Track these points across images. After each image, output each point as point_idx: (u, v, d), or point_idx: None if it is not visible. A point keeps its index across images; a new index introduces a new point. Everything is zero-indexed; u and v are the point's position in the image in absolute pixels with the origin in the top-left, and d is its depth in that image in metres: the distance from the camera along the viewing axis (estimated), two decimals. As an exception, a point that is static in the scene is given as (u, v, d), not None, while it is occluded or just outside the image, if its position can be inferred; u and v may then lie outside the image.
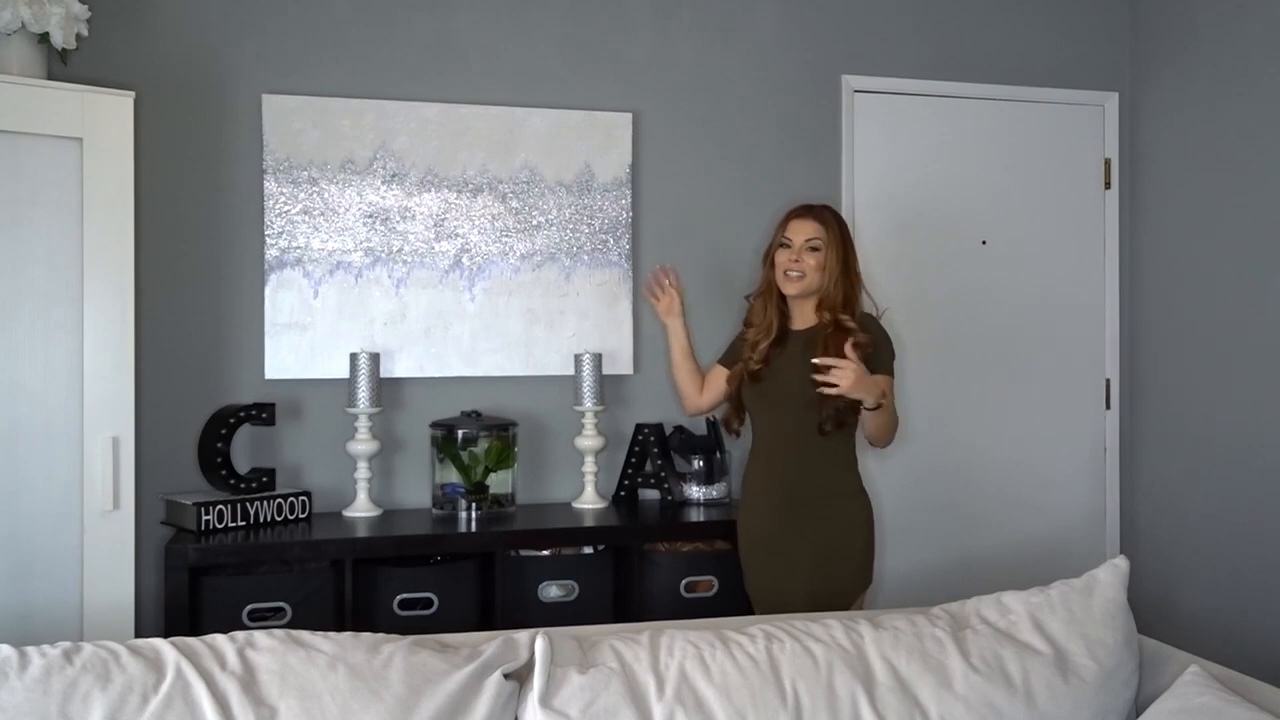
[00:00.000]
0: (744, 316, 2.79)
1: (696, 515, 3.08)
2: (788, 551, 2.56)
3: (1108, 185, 3.69)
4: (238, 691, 1.59)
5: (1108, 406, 3.69)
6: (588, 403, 3.11)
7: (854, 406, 2.49)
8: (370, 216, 3.11)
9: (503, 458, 3.04)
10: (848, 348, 2.38)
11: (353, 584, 2.71)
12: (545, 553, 2.90)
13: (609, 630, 1.93)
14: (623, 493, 3.24)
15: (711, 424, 3.24)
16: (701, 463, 3.21)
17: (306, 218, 3.06)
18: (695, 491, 3.20)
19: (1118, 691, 1.80)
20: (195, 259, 3.02)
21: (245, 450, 2.99)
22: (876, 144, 3.50)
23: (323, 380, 3.08)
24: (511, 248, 3.21)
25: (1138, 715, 1.80)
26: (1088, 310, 3.67)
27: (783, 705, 1.69)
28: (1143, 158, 3.64)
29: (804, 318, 2.65)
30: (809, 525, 2.55)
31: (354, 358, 2.98)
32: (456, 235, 3.17)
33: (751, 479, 2.69)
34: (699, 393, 2.89)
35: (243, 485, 2.87)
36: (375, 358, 2.99)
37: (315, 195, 3.07)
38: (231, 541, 2.70)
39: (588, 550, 2.95)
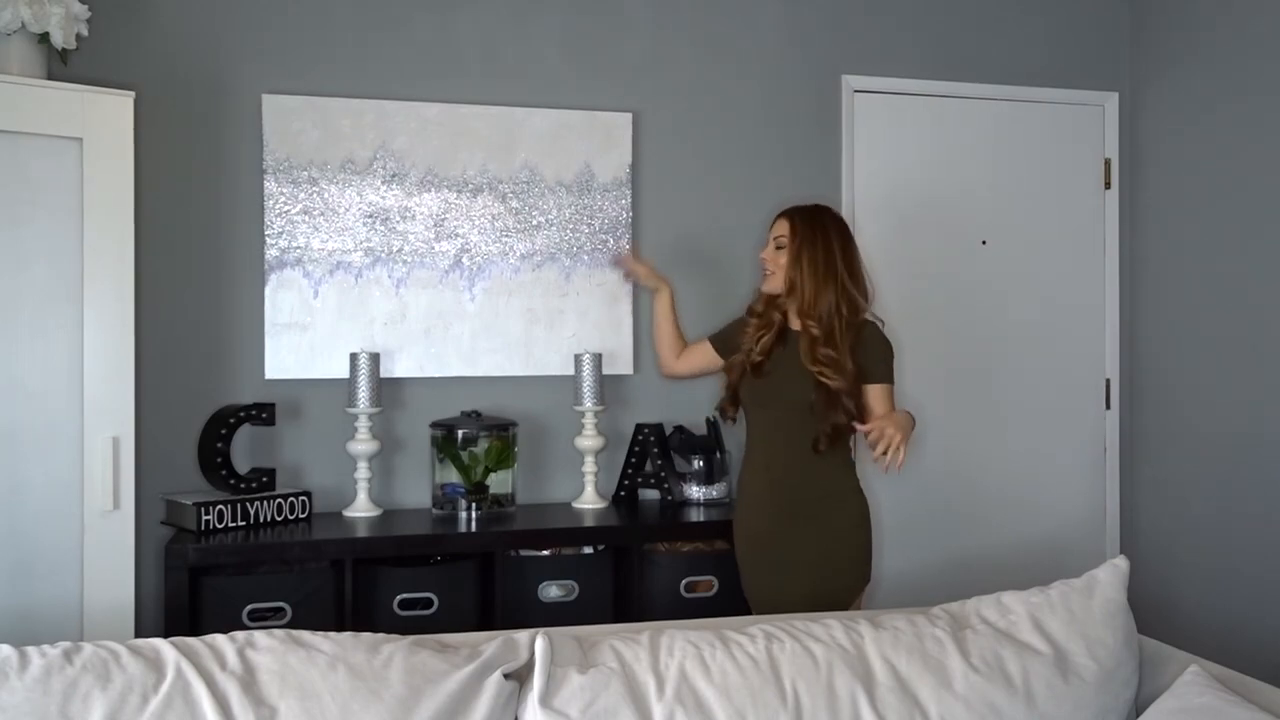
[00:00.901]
0: (750, 305, 2.76)
1: (696, 515, 3.08)
2: (785, 552, 2.56)
3: (1108, 185, 3.69)
4: (238, 691, 1.59)
5: (1108, 406, 3.69)
6: (588, 403, 3.11)
7: (851, 426, 2.51)
8: (370, 216, 3.11)
9: (503, 458, 3.04)
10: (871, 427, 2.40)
11: (353, 584, 2.71)
12: (545, 553, 2.90)
13: (609, 630, 1.93)
14: (623, 493, 3.24)
15: (711, 424, 3.25)
16: (701, 463, 3.21)
17: (306, 218, 3.06)
18: (695, 491, 3.20)
19: (1118, 691, 1.80)
20: (195, 259, 3.02)
21: (245, 450, 2.99)
22: (876, 144, 3.50)
23: (323, 380, 3.08)
24: (511, 248, 3.21)
25: (1138, 715, 1.80)
26: (1088, 310, 3.67)
27: (783, 705, 1.69)
28: (1143, 158, 3.64)
29: (793, 319, 2.65)
30: (806, 525, 2.55)
31: (354, 358, 2.98)
32: (456, 235, 3.17)
33: (748, 479, 2.68)
34: (675, 357, 2.95)
35: (243, 485, 2.87)
36: (375, 358, 2.99)
37: (315, 195, 3.07)
38: (231, 541, 2.70)
39: (588, 550, 2.95)
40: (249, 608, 2.65)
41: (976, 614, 1.90)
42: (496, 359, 3.19)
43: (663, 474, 3.18)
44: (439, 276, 3.16)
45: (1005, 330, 3.60)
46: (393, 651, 1.69)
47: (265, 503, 2.88)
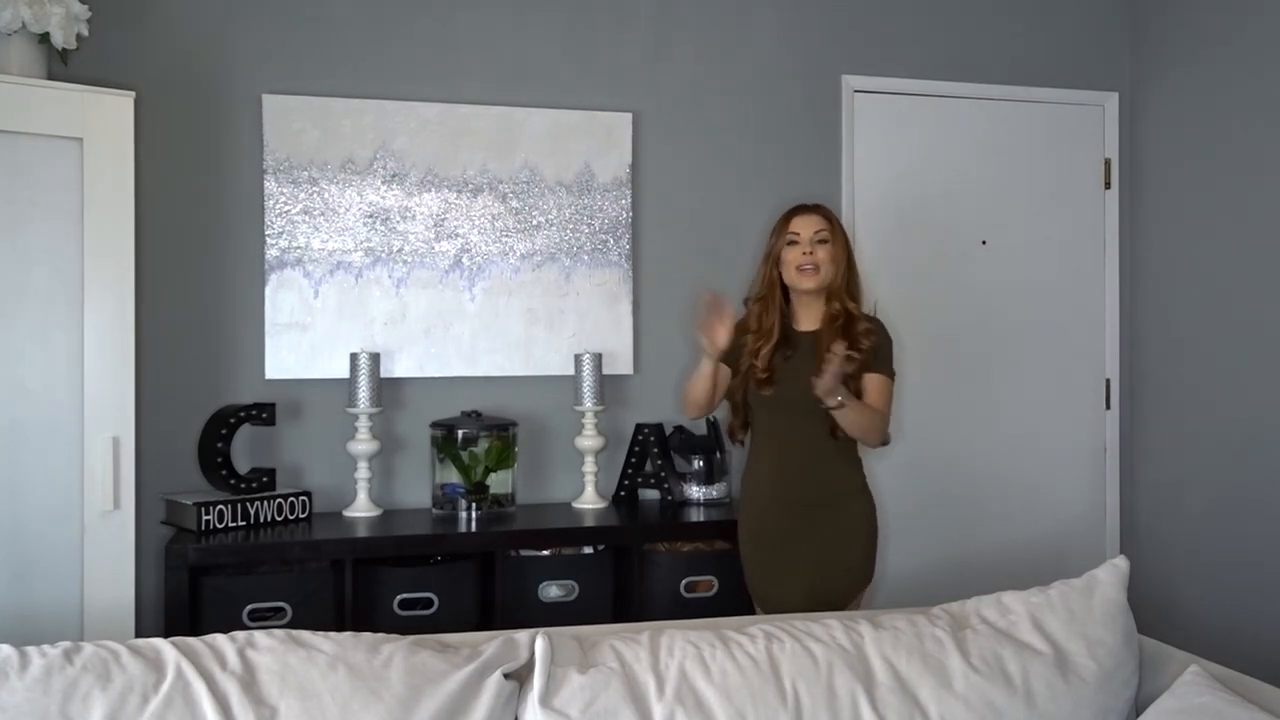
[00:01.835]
0: (740, 322, 2.60)
1: (696, 515, 3.08)
2: (792, 550, 2.56)
3: (1108, 185, 3.69)
4: (238, 691, 1.59)
5: (1108, 406, 3.69)
6: (588, 403, 3.11)
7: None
8: (370, 216, 3.11)
9: (503, 458, 3.04)
10: (835, 348, 2.37)
11: (353, 584, 2.71)
12: (545, 553, 2.90)
13: (609, 630, 1.93)
14: (623, 493, 3.24)
15: (712, 424, 3.24)
16: (701, 463, 3.21)
17: (306, 218, 3.06)
18: (695, 491, 3.20)
19: (1118, 691, 1.80)
20: (195, 259, 3.02)
21: (245, 450, 2.99)
22: (876, 144, 3.50)
23: (323, 380, 3.08)
24: (511, 248, 3.21)
25: (1138, 715, 1.80)
26: (1088, 310, 3.67)
27: (783, 705, 1.69)
28: (1143, 158, 3.64)
29: (810, 318, 2.61)
30: (814, 524, 2.55)
31: (354, 358, 2.98)
32: (456, 235, 3.17)
33: (755, 478, 2.67)
34: (713, 402, 2.63)
35: (243, 485, 2.87)
36: (375, 358, 2.99)
37: (315, 195, 3.07)
38: (231, 541, 2.70)
39: (588, 550, 2.95)
40: (249, 608, 2.65)
41: (976, 614, 1.90)
42: (496, 359, 3.19)
43: (663, 474, 3.18)
44: (439, 276, 3.16)
45: (1005, 330, 3.60)
46: (393, 651, 1.69)
47: (265, 503, 2.88)
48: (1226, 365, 3.27)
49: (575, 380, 3.14)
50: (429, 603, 2.78)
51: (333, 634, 1.73)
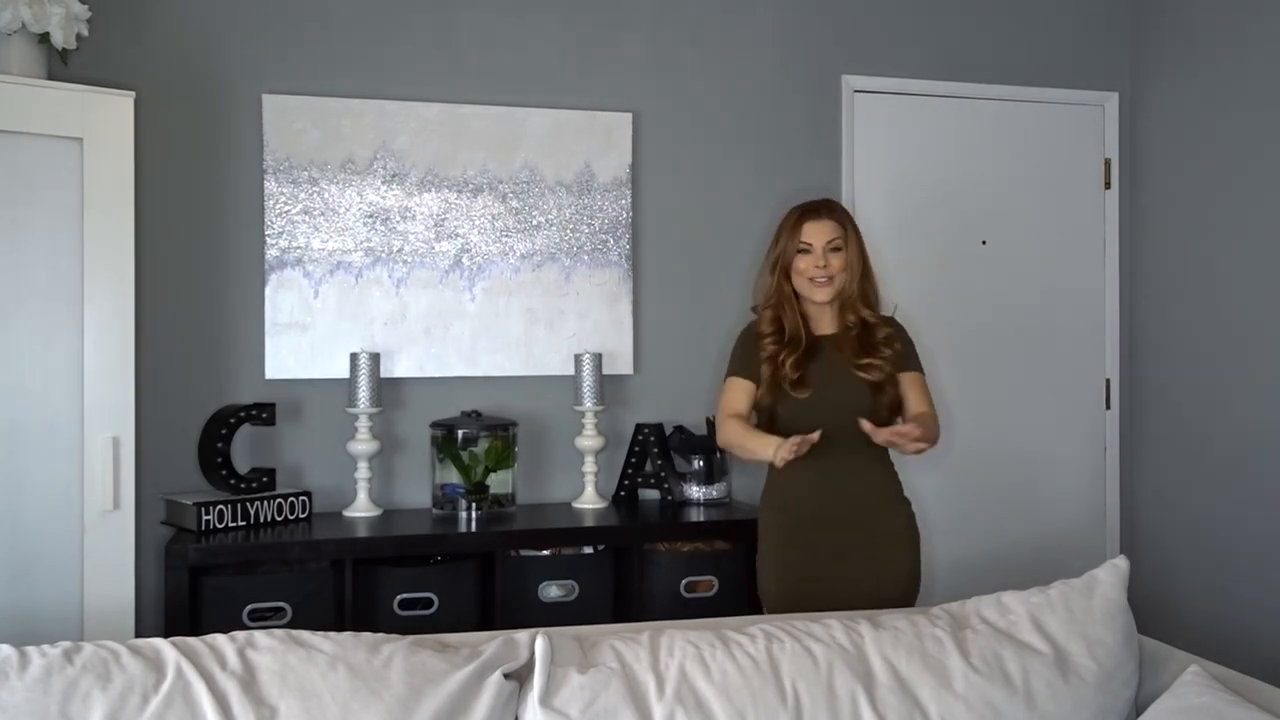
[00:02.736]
0: (754, 329, 2.56)
1: (696, 515, 3.08)
2: (839, 564, 2.46)
3: (1108, 185, 3.69)
4: (238, 691, 1.59)
5: (1108, 406, 3.69)
6: (588, 403, 3.11)
7: (891, 408, 2.48)
8: (370, 216, 3.11)
9: (503, 458, 3.04)
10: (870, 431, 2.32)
11: (353, 584, 2.71)
12: (545, 553, 2.90)
13: (609, 630, 1.93)
14: (623, 493, 3.24)
15: (712, 424, 3.24)
16: (701, 463, 3.21)
17: (306, 218, 3.06)
18: (695, 491, 3.20)
19: (1118, 691, 1.80)
20: (195, 259, 3.02)
21: (245, 450, 2.99)
22: (876, 144, 3.50)
23: (323, 380, 3.08)
24: (511, 248, 3.21)
25: (1138, 715, 1.80)
26: (1088, 311, 3.67)
27: (783, 705, 1.69)
28: (1143, 158, 3.64)
29: (826, 322, 2.54)
30: (860, 544, 2.45)
31: (354, 358, 2.98)
32: (456, 235, 3.17)
33: (789, 487, 2.50)
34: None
35: (243, 485, 2.87)
36: (375, 358, 2.99)
37: (315, 195, 3.07)
38: (231, 541, 2.70)
39: (588, 550, 2.95)
40: (249, 608, 2.65)
41: (976, 614, 1.90)
42: (496, 359, 3.19)
43: (663, 474, 3.18)
44: (439, 276, 3.16)
45: (1005, 330, 3.60)
46: (393, 651, 1.69)
47: (265, 503, 2.88)
48: (1226, 365, 3.27)
49: (575, 380, 3.14)
50: (429, 603, 2.78)
51: (333, 634, 1.73)
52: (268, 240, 3.03)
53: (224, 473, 2.85)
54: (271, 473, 2.93)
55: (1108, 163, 3.68)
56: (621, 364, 3.27)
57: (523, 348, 3.21)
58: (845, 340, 2.48)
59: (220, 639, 1.70)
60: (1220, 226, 3.30)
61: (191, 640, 1.70)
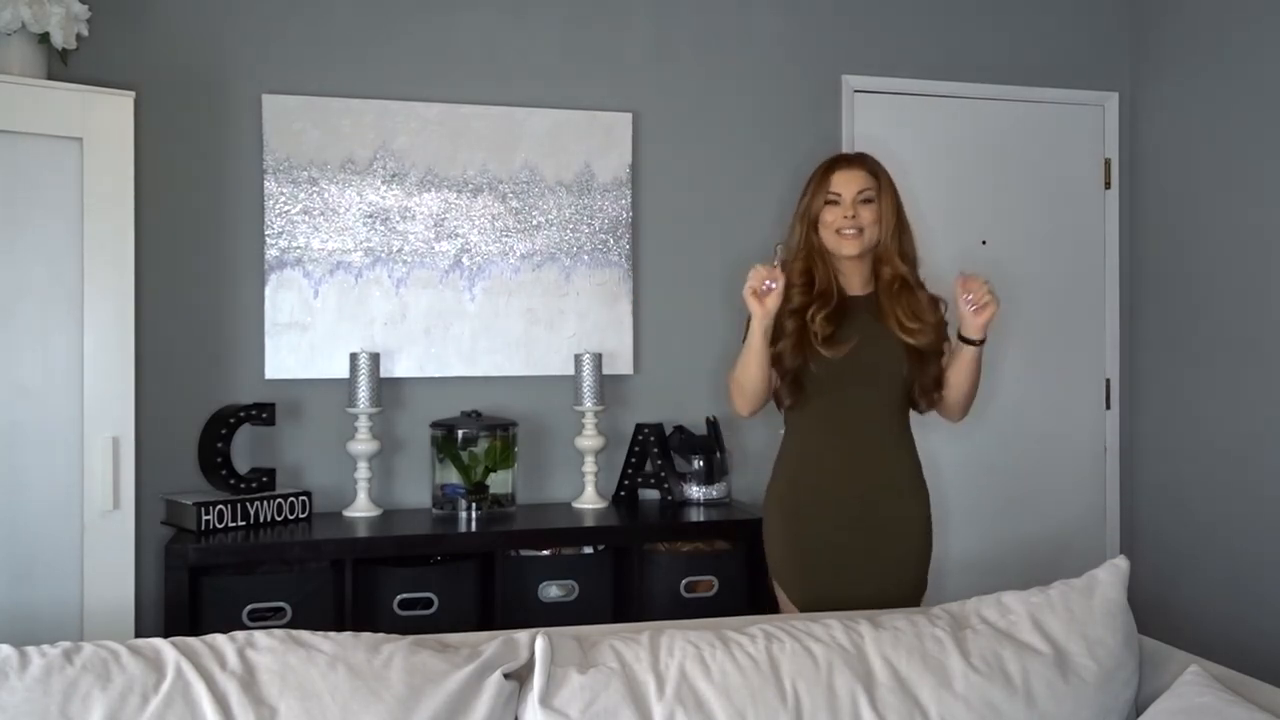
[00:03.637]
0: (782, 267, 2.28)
1: (696, 515, 3.08)
2: (850, 552, 2.34)
3: (1108, 185, 3.69)
4: (238, 691, 1.59)
5: (1108, 406, 3.69)
6: (588, 403, 3.11)
7: (938, 381, 2.33)
8: (370, 216, 3.11)
9: (503, 458, 3.04)
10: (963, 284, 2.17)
11: (353, 584, 2.71)
12: (545, 553, 2.90)
13: (609, 630, 1.93)
14: (623, 493, 3.24)
15: (711, 424, 3.24)
16: (701, 463, 3.21)
17: (306, 218, 3.06)
18: (695, 491, 3.20)
19: (1118, 691, 1.80)
20: (195, 259, 3.02)
21: (245, 450, 2.99)
22: (876, 144, 3.48)
23: (323, 380, 3.08)
24: (511, 248, 3.21)
25: (1138, 715, 1.80)
26: (1088, 311, 3.67)
27: (783, 705, 1.69)
28: (1143, 158, 3.64)
29: (860, 281, 2.37)
30: (881, 528, 2.34)
31: (354, 358, 2.98)
32: (456, 235, 3.17)
33: (806, 459, 2.35)
34: (770, 387, 2.34)
35: (243, 485, 2.87)
36: (375, 358, 2.99)
37: (315, 195, 3.07)
38: (231, 541, 2.70)
39: (588, 550, 2.95)
40: (249, 608, 2.65)
41: (976, 614, 1.90)
42: (496, 359, 3.19)
43: (663, 474, 3.18)
44: (439, 276, 3.16)
45: (1005, 330, 3.59)
46: (393, 651, 1.69)
47: (265, 503, 2.88)
48: (1227, 365, 3.27)
49: (575, 380, 3.14)
50: (429, 603, 2.78)
51: (333, 634, 1.73)
52: (267, 240, 3.03)
53: (224, 473, 2.85)
54: (271, 473, 2.93)
55: (1108, 163, 3.68)
56: (621, 364, 3.27)
57: (523, 348, 3.21)
58: (884, 300, 2.31)
59: (220, 639, 1.70)
60: (1220, 226, 3.30)
61: (191, 640, 1.70)
